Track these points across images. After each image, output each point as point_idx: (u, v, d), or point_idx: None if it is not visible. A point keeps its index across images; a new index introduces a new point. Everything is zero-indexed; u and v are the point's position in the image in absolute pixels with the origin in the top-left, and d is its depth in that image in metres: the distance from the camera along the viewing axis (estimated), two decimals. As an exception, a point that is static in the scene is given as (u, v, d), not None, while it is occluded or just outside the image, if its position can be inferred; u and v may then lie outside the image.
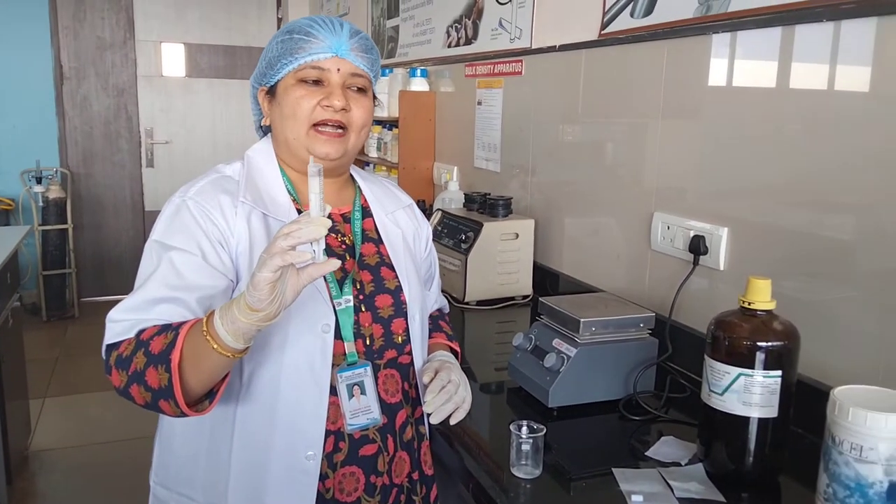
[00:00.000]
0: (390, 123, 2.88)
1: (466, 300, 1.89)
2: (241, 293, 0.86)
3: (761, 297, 1.03)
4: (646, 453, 1.13)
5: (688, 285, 1.44)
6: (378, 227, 1.17)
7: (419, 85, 2.69)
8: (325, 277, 1.04)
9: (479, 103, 2.35)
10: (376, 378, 1.07)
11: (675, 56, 1.50)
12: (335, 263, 0.86)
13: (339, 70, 1.06)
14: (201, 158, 4.69)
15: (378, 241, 1.16)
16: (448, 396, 1.08)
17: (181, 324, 0.92)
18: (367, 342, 1.08)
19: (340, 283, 1.08)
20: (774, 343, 1.01)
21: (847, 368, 1.13)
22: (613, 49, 1.70)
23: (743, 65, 1.34)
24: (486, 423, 1.27)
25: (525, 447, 1.05)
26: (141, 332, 0.94)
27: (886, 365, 1.09)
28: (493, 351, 1.64)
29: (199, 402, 0.95)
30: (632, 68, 1.64)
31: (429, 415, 1.08)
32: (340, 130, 1.07)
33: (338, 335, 1.05)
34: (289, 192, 1.10)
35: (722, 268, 1.39)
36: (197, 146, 4.76)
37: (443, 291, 1.97)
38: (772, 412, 1.01)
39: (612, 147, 1.74)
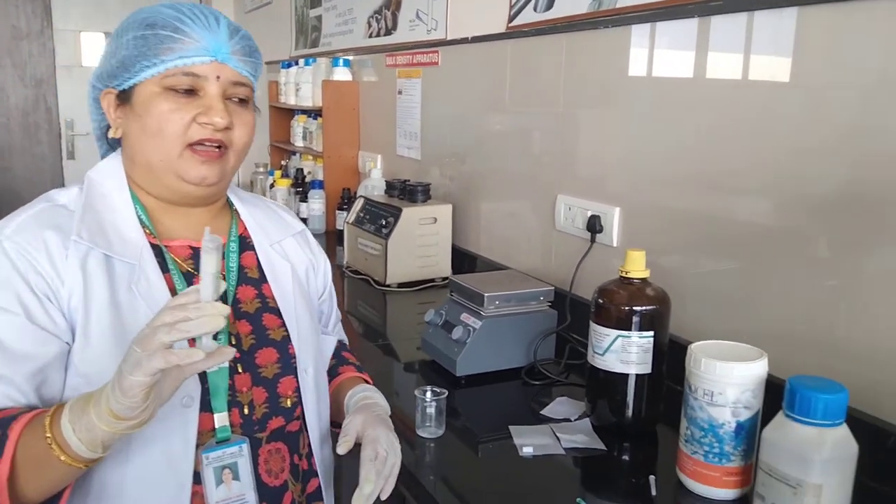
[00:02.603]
0: (315, 113, 2.92)
1: (388, 283, 1.97)
2: (99, 393, 0.70)
3: (636, 266, 1.15)
4: (541, 412, 1.24)
5: (586, 261, 1.56)
6: (261, 261, 0.98)
7: (342, 74, 2.74)
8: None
9: (400, 93, 2.43)
10: (256, 457, 0.88)
11: (574, 48, 1.61)
12: (230, 352, 0.71)
13: (218, 78, 0.87)
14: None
15: (260, 281, 0.97)
16: (382, 479, 0.88)
17: (7, 420, 0.72)
18: (246, 411, 0.88)
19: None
20: (648, 307, 1.13)
21: (716, 329, 1.26)
22: (519, 41, 1.80)
23: (639, 57, 1.46)
24: (402, 394, 1.36)
25: (429, 410, 1.15)
26: None
27: (747, 325, 1.23)
28: (414, 330, 1.73)
29: None
30: (536, 60, 1.75)
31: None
32: (219, 149, 0.89)
33: (205, 407, 0.85)
34: (143, 223, 0.90)
35: (615, 244, 1.52)
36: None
37: (364, 275, 2.06)
38: (646, 369, 1.14)
39: (521, 135, 1.84)
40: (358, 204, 2.15)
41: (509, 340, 1.39)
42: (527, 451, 1.09)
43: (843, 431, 0.88)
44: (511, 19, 1.82)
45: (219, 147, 0.89)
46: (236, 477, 0.85)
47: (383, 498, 0.88)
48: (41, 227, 0.83)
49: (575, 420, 1.22)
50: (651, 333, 1.13)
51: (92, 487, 0.80)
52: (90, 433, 0.69)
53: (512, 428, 1.16)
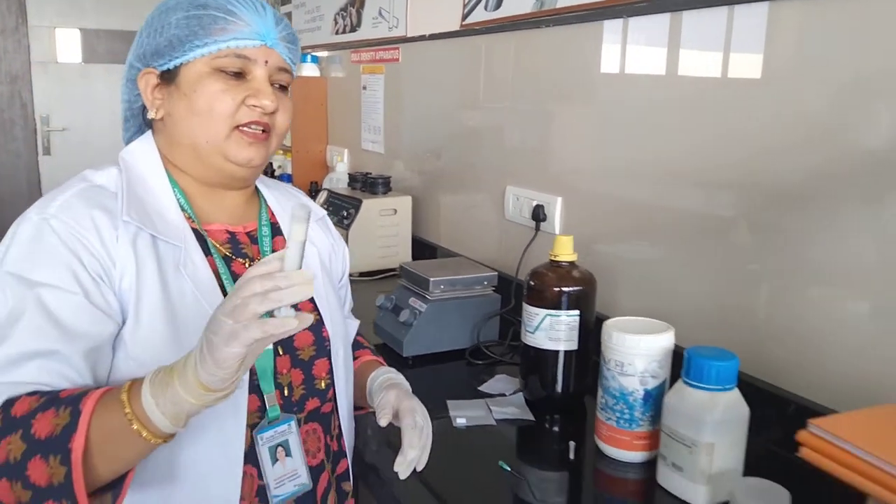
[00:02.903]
0: (285, 108, 2.98)
1: (350, 272, 2.04)
2: (181, 366, 0.68)
3: (564, 251, 1.24)
4: (478, 388, 1.32)
5: (532, 247, 1.64)
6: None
7: (310, 70, 2.80)
8: None
9: (364, 88, 2.50)
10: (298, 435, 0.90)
11: (521, 46, 1.69)
12: (310, 318, 0.67)
13: (266, 62, 0.88)
14: (101, 145, 4.62)
15: None
16: (421, 448, 0.90)
17: (77, 396, 0.70)
18: (286, 392, 0.90)
19: None
20: (574, 288, 1.22)
21: (641, 307, 1.34)
22: (472, 39, 1.88)
23: (579, 54, 1.54)
24: (349, 373, 1.44)
25: (371, 386, 1.22)
26: (9, 403, 0.70)
27: (669, 304, 1.32)
28: (371, 316, 1.79)
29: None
30: (487, 58, 1.83)
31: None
32: (264, 132, 0.90)
33: (252, 388, 0.86)
34: (182, 207, 0.90)
35: (557, 231, 1.60)
36: (96, 133, 4.70)
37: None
38: (573, 345, 1.22)
39: (474, 130, 1.92)
40: (322, 196, 2.22)
41: (454, 323, 1.47)
42: (460, 421, 1.18)
43: (735, 395, 0.96)
44: (464, 17, 1.90)
45: (264, 130, 0.89)
46: (288, 454, 0.87)
47: (420, 468, 0.90)
48: (88, 206, 0.81)
49: (510, 395, 1.30)
50: (577, 312, 1.21)
51: (146, 471, 0.78)
52: (176, 407, 0.67)
53: (449, 402, 1.24)
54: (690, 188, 1.28)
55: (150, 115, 0.91)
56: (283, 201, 1.03)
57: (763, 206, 1.14)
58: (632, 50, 1.38)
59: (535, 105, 1.67)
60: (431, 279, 1.44)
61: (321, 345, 0.95)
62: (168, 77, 0.88)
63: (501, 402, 1.27)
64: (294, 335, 0.88)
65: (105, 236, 0.80)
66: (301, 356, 0.93)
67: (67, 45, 4.74)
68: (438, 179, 2.13)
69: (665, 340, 1.05)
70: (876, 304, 1.00)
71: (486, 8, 1.80)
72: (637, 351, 1.04)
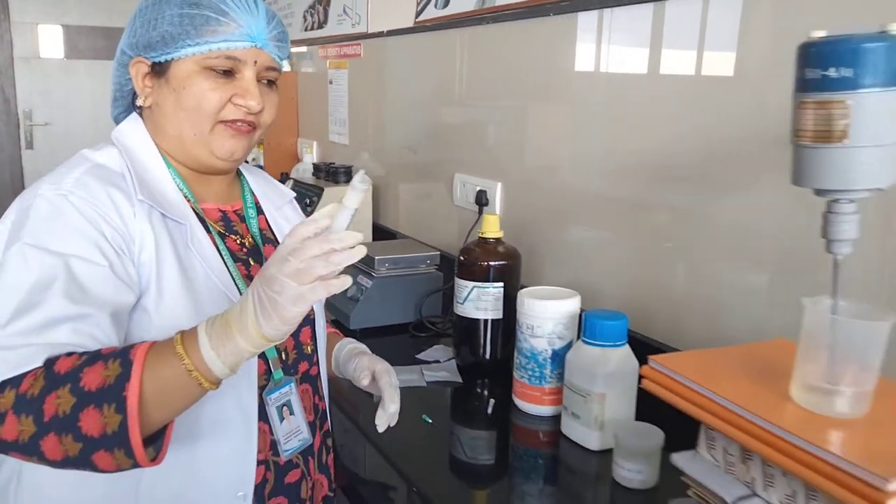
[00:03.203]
0: (258, 102, 3.09)
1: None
2: (238, 321, 0.71)
3: (491, 228, 1.36)
4: (416, 356, 1.44)
5: (475, 230, 1.76)
6: (271, 225, 1.04)
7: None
8: (237, 286, 0.91)
9: (331, 82, 2.61)
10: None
11: (467, 41, 1.81)
12: (348, 280, 0.71)
13: (255, 63, 0.90)
14: (83, 139, 4.70)
15: (275, 242, 1.02)
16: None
17: (122, 350, 0.72)
18: (283, 356, 0.97)
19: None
20: (499, 262, 1.34)
21: (564, 279, 1.46)
22: (425, 35, 2.00)
23: (518, 50, 1.66)
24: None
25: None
26: (50, 362, 0.72)
27: (590, 276, 1.43)
28: (330, 298, 1.93)
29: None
30: (439, 53, 1.94)
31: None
32: (249, 127, 0.93)
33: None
34: (178, 188, 0.93)
35: (498, 214, 1.72)
36: (78, 128, 4.79)
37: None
38: (498, 314, 1.34)
39: (428, 121, 2.04)
40: (287, 185, 2.33)
41: (398, 298, 1.59)
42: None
43: (625, 351, 1.09)
44: (417, 15, 2.01)
45: (249, 125, 0.92)
46: (292, 412, 0.95)
47: (393, 423, 0.99)
48: (103, 184, 0.84)
49: (444, 361, 1.42)
50: (501, 284, 1.33)
51: (174, 430, 0.80)
52: (235, 356, 0.71)
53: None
54: (614, 177, 1.40)
55: (140, 101, 0.93)
56: (262, 184, 1.09)
57: (678, 191, 1.26)
58: (565, 48, 1.50)
59: (480, 99, 1.79)
60: (377, 257, 1.56)
61: (305, 314, 1.03)
62: (159, 69, 0.90)
63: (435, 367, 1.38)
64: None
65: (124, 213, 0.83)
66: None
67: (50, 41, 4.82)
68: (398, 169, 2.25)
69: (570, 305, 1.17)
70: (771, 278, 1.12)
71: (435, 6, 1.91)
72: (545, 315, 1.16)
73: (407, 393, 1.27)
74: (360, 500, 1.10)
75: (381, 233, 2.27)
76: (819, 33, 0.60)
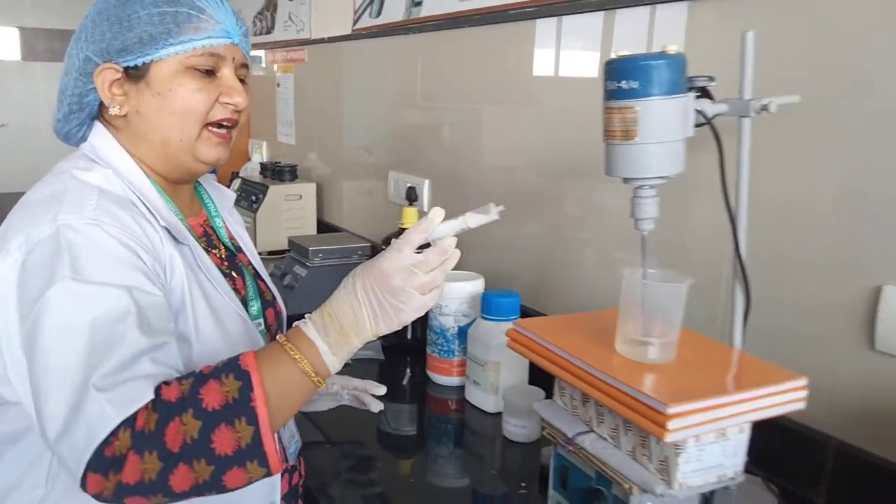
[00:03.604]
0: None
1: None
2: (351, 324, 0.76)
3: (410, 220, 1.50)
4: (345, 337, 1.58)
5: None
6: (232, 233, 1.02)
7: (232, 70, 3.02)
8: (245, 301, 0.93)
9: (279, 85, 2.73)
10: None
11: (397, 49, 1.95)
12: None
13: (233, 59, 0.88)
14: (40, 142, 4.75)
15: (239, 250, 1.01)
16: None
17: (226, 364, 0.71)
18: None
19: (245, 303, 0.94)
20: (417, 250, 1.47)
21: (482, 267, 1.61)
22: (361, 42, 2.13)
23: (443, 58, 1.80)
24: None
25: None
26: (157, 390, 0.69)
27: (503, 263, 1.58)
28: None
29: None
30: (373, 59, 2.08)
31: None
32: (231, 131, 0.90)
33: None
34: (169, 207, 0.89)
35: (426, 209, 1.86)
36: (34, 130, 4.82)
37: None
38: (417, 298, 1.48)
39: (364, 123, 2.18)
40: (235, 184, 2.45)
41: (332, 286, 1.71)
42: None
43: (517, 325, 1.23)
44: (354, 23, 2.14)
45: (230, 127, 0.90)
46: None
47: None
48: (122, 209, 0.80)
49: (371, 343, 1.55)
50: (419, 270, 1.47)
51: None
52: (348, 354, 0.77)
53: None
54: (526, 172, 1.54)
55: (114, 111, 0.86)
56: (213, 189, 1.07)
57: (581, 184, 1.42)
58: (485, 55, 1.64)
59: (410, 101, 1.93)
60: (310, 248, 1.69)
61: (279, 321, 1.05)
62: (135, 73, 0.85)
63: (363, 347, 1.52)
64: (267, 313, 0.99)
65: (153, 239, 0.81)
66: (273, 332, 1.01)
67: (6, 43, 4.84)
68: (341, 167, 2.38)
69: (473, 287, 1.32)
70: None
71: (370, 15, 2.05)
72: (452, 296, 1.31)
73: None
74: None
75: (325, 228, 2.39)
76: (622, 52, 0.75)
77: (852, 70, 0.93)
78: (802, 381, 0.79)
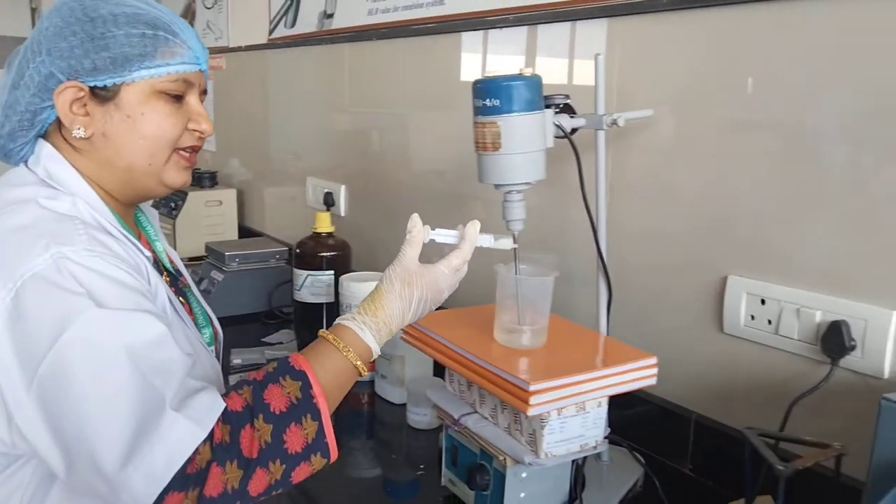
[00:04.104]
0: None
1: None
2: (402, 320, 0.83)
3: (323, 224, 1.57)
4: (262, 339, 1.63)
5: (324, 228, 1.97)
6: (167, 250, 1.01)
7: (150, 76, 3.00)
8: (197, 327, 0.94)
9: (198, 93, 2.74)
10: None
11: (322, 57, 2.01)
12: None
13: (199, 86, 0.87)
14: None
15: (179, 272, 1.02)
16: None
17: (281, 366, 0.75)
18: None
19: (198, 327, 0.95)
20: (330, 253, 1.55)
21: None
22: (277, 52, 2.18)
23: (352, 66, 1.87)
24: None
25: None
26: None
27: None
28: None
29: None
30: (288, 68, 2.14)
31: None
32: (194, 154, 0.90)
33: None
34: (122, 232, 0.85)
35: (343, 214, 1.93)
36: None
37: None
38: (331, 299, 1.55)
39: (282, 130, 2.23)
40: (155, 191, 2.45)
41: (249, 290, 1.77)
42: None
43: (420, 321, 1.32)
44: (270, 32, 2.19)
45: (194, 152, 0.90)
46: None
47: None
48: (108, 239, 0.79)
49: (287, 343, 1.61)
50: (332, 272, 1.54)
51: None
52: (384, 340, 0.83)
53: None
54: (453, 175, 1.63)
55: (78, 133, 0.82)
56: (147, 211, 1.04)
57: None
58: (393, 63, 1.73)
59: (324, 108, 2.00)
60: (227, 253, 1.74)
61: (219, 343, 1.06)
62: (103, 94, 0.81)
63: (277, 347, 1.58)
64: (214, 334, 1.01)
65: (139, 267, 0.81)
66: (217, 355, 1.02)
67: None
68: (263, 173, 2.42)
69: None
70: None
71: (285, 26, 2.10)
72: (360, 295, 1.38)
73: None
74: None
75: (247, 233, 2.43)
76: (490, 73, 0.85)
77: (706, 83, 1.06)
78: (653, 360, 0.90)
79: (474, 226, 0.86)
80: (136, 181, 0.86)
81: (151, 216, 1.03)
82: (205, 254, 2.32)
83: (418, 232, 0.85)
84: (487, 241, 0.87)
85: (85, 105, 0.81)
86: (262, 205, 2.43)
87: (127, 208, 0.90)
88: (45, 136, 0.85)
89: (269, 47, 2.22)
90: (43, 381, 0.67)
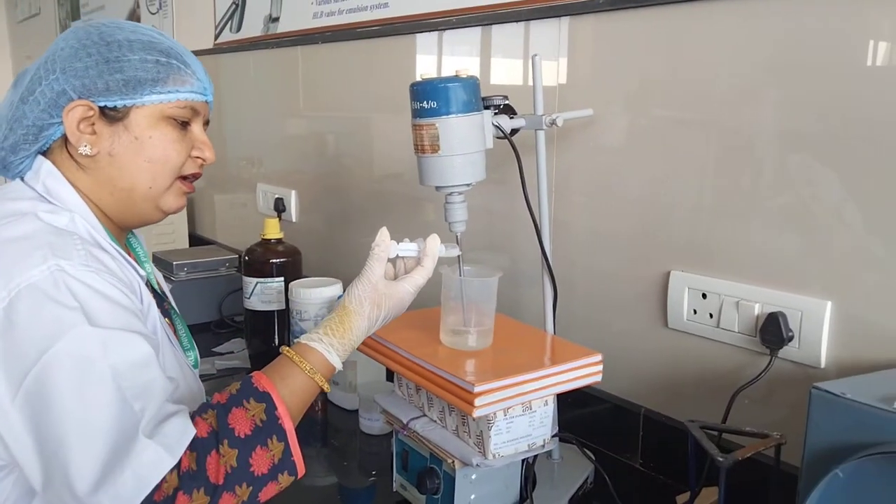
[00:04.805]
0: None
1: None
2: (367, 330, 0.84)
3: (272, 230, 1.55)
4: (213, 349, 1.60)
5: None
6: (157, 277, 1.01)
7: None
8: (183, 347, 0.95)
9: (145, 100, 2.68)
10: None
11: (267, 63, 1.99)
12: None
13: (203, 116, 0.90)
14: None
15: (165, 295, 1.01)
16: None
17: (244, 389, 0.74)
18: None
19: (184, 350, 0.96)
20: (279, 260, 1.53)
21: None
22: (223, 56, 2.15)
23: (300, 70, 1.85)
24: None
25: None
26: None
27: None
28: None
29: None
30: (233, 72, 2.11)
31: None
32: (192, 183, 0.92)
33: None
34: (118, 251, 0.84)
35: (294, 220, 1.91)
36: None
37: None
38: (282, 306, 1.53)
39: (233, 136, 2.20)
40: (101, 201, 2.39)
41: (199, 299, 1.74)
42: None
43: (371, 326, 1.31)
44: (217, 37, 2.16)
45: (194, 180, 0.92)
46: None
47: None
48: (104, 255, 0.79)
49: (238, 352, 1.59)
50: (282, 279, 1.52)
51: None
52: (348, 352, 0.84)
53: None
54: (388, 179, 1.63)
55: (84, 150, 0.83)
56: (138, 234, 1.04)
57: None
58: (332, 67, 1.71)
59: (268, 113, 1.98)
60: (174, 263, 1.70)
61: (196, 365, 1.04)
62: (113, 115, 0.83)
63: (229, 357, 1.55)
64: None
65: (133, 286, 0.81)
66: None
67: None
68: (213, 181, 2.38)
69: (331, 291, 1.38)
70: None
71: (230, 30, 2.07)
72: (309, 301, 1.36)
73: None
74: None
75: (198, 242, 2.38)
76: (426, 75, 0.84)
77: (648, 83, 1.07)
78: (598, 357, 0.91)
79: (434, 240, 0.87)
80: (134, 204, 0.86)
81: (141, 239, 1.03)
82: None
83: (386, 248, 0.85)
84: (441, 251, 0.88)
85: (93, 124, 0.82)
86: (213, 212, 2.39)
87: (120, 231, 0.90)
88: (46, 153, 0.86)
89: (216, 52, 2.18)
90: (28, 392, 0.67)
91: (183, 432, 0.68)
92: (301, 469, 0.74)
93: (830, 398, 0.63)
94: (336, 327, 0.83)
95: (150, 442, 0.66)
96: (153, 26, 2.64)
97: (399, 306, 0.85)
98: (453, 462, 0.87)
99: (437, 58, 1.44)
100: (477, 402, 0.80)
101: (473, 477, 0.88)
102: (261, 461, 0.70)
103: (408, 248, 0.87)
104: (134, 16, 2.70)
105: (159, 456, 0.66)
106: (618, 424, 1.12)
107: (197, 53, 0.87)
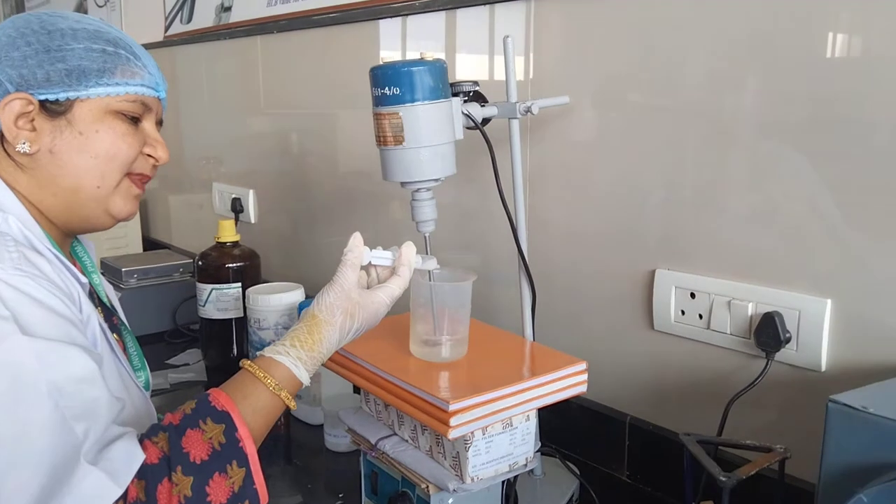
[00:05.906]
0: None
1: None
2: (338, 342, 0.76)
3: (227, 233, 1.44)
4: (166, 361, 1.49)
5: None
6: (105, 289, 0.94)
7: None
8: (133, 366, 0.89)
9: (93, 97, 2.54)
10: None
11: (213, 55, 1.88)
12: None
13: (155, 113, 0.84)
14: None
15: (114, 308, 0.93)
16: None
17: (198, 406, 0.67)
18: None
19: (133, 369, 0.89)
20: (236, 264, 1.42)
21: (315, 274, 1.59)
22: (174, 49, 2.03)
23: (259, 62, 1.74)
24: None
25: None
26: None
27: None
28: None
29: None
30: (185, 66, 1.99)
31: None
32: (144, 185, 0.85)
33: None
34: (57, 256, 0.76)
35: (253, 220, 1.81)
36: None
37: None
38: (240, 314, 1.43)
39: (191, 132, 2.08)
40: (47, 204, 2.25)
41: (151, 308, 1.62)
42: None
43: (336, 334, 1.22)
44: (167, 29, 2.04)
45: (145, 182, 0.85)
46: None
47: None
48: (39, 259, 0.71)
49: (193, 364, 1.48)
50: (239, 284, 1.42)
51: None
52: (317, 366, 0.76)
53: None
54: (353, 176, 1.53)
55: (22, 148, 0.75)
56: (85, 242, 0.96)
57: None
58: (296, 60, 1.62)
59: (226, 110, 1.87)
60: (123, 269, 1.58)
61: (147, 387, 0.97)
62: (55, 109, 0.76)
63: (183, 370, 1.44)
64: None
65: (72, 294, 0.73)
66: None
67: None
68: (167, 182, 2.25)
69: (292, 297, 1.29)
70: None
71: (181, 21, 1.95)
72: (269, 308, 1.27)
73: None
74: None
75: (152, 246, 2.26)
76: (385, 59, 0.76)
77: (628, 70, 1.00)
78: (583, 366, 0.83)
79: (410, 248, 0.79)
80: (79, 205, 0.79)
81: (89, 248, 0.95)
82: (101, 271, 2.15)
83: (359, 254, 0.78)
84: (417, 262, 0.80)
85: (32, 120, 0.76)
86: (168, 215, 2.27)
87: (64, 237, 0.83)
88: None
89: (167, 44, 2.06)
90: None
91: (130, 458, 0.61)
92: (264, 497, 0.66)
93: (850, 412, 0.56)
94: (304, 338, 0.74)
95: (93, 468, 0.59)
96: (101, 20, 2.50)
97: (373, 318, 0.77)
98: (427, 487, 0.79)
99: (401, 46, 1.35)
100: (452, 421, 0.71)
101: (450, 502, 0.80)
102: (219, 490, 0.63)
103: (382, 256, 0.79)
104: (81, 8, 2.56)
105: (103, 484, 0.59)
106: (602, 433, 1.05)
107: (147, 47, 0.78)
